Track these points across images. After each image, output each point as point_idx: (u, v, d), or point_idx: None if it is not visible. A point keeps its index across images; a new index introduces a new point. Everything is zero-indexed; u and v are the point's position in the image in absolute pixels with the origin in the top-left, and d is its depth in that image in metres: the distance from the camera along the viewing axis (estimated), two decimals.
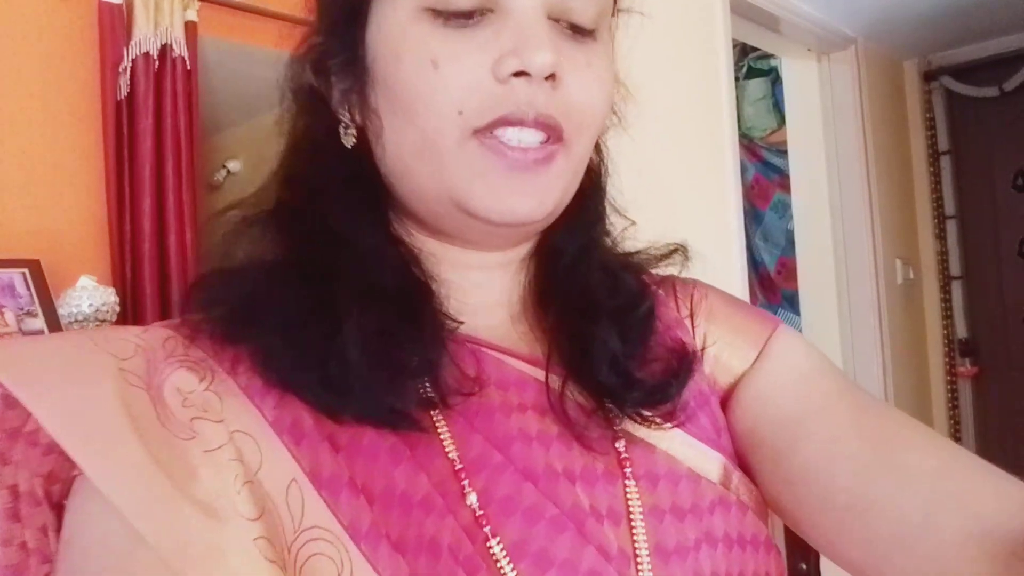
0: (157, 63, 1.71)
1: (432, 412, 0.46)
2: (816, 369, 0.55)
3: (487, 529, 0.43)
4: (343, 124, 0.51)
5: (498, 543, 0.43)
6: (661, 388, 0.51)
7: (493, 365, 0.50)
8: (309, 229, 0.50)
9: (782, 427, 0.52)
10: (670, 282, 0.62)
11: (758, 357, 0.57)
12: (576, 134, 0.48)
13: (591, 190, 0.57)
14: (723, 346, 0.58)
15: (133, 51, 1.69)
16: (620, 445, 0.49)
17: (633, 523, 0.46)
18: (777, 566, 0.52)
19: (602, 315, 0.52)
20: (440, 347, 0.47)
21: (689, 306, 0.60)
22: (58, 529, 0.43)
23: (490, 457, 0.45)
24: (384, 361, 0.45)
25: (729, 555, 0.48)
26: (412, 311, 0.48)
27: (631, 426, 0.50)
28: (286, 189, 0.52)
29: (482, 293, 0.53)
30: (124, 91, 1.69)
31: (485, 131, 0.46)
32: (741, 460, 0.54)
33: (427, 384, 0.46)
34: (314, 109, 0.52)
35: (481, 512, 0.43)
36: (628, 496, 0.47)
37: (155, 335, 0.47)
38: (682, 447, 0.51)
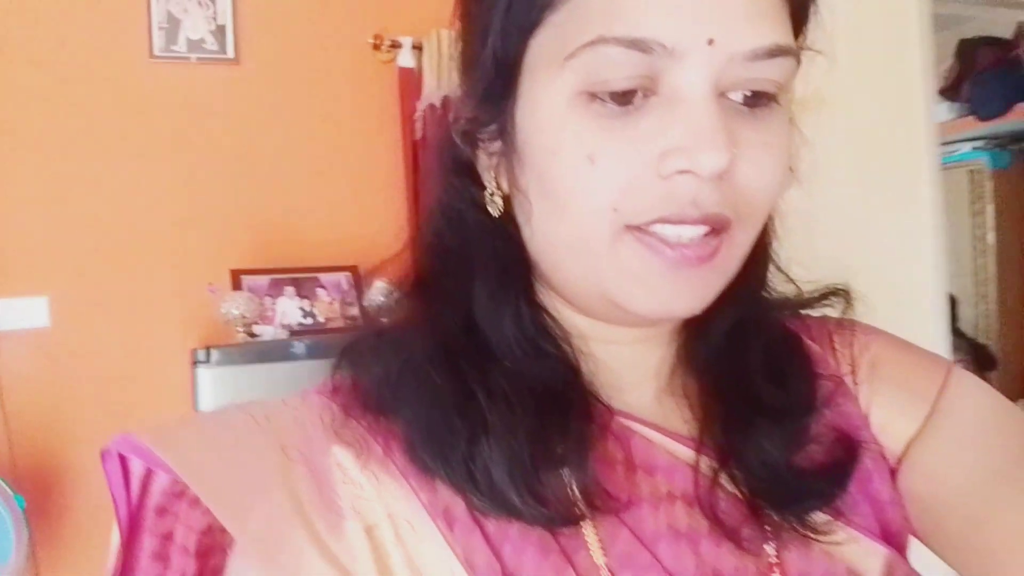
0: (440, 111, 2.31)
1: (578, 506, 0.44)
2: (994, 418, 0.49)
3: None
4: (489, 191, 0.48)
5: None
6: (820, 490, 0.46)
7: (642, 448, 0.47)
8: (455, 298, 0.48)
9: (964, 492, 0.46)
10: (826, 330, 0.55)
11: (931, 413, 0.50)
12: (745, 221, 0.43)
13: (756, 257, 0.49)
14: (890, 407, 0.51)
15: (423, 103, 2.33)
16: (771, 548, 0.45)
17: None
18: None
19: (761, 414, 0.48)
20: (585, 454, 0.44)
21: (850, 360, 0.53)
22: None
23: (637, 556, 0.44)
24: (526, 475, 0.43)
25: None
26: (557, 405, 0.45)
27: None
28: (430, 258, 0.50)
29: (632, 367, 0.50)
30: (419, 134, 2.34)
31: (642, 227, 0.42)
32: (918, 530, 0.49)
33: (574, 485, 0.44)
34: (460, 174, 0.49)
35: None
36: None
37: (312, 408, 0.48)
38: (843, 542, 0.46)
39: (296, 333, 2.12)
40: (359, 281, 2.24)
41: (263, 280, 2.18)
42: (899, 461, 0.50)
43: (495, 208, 0.48)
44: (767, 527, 0.46)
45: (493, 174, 0.48)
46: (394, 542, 0.43)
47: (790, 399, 0.48)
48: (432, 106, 2.30)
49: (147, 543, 0.47)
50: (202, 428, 0.49)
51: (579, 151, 0.41)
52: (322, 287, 2.23)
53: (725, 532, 0.45)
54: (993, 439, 0.48)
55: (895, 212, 1.73)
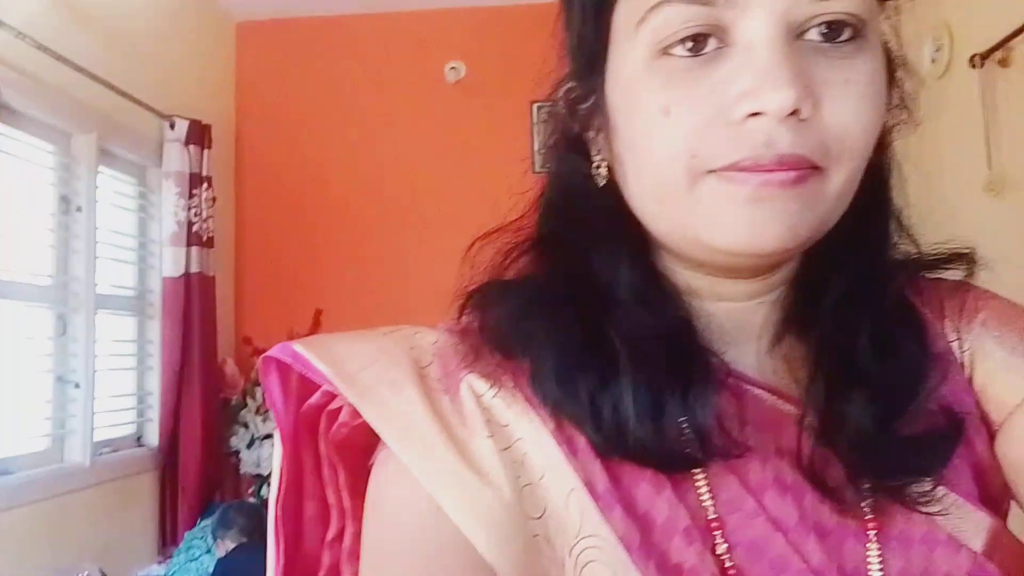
0: None
1: (694, 450, 0.45)
2: None
3: (733, 574, 0.44)
4: (595, 164, 0.50)
5: None
6: (920, 464, 0.46)
7: (753, 404, 0.48)
8: (573, 259, 0.50)
9: None
10: (937, 293, 0.54)
11: None
12: (835, 164, 0.43)
13: (871, 208, 0.49)
14: (996, 372, 0.50)
15: None
16: (867, 506, 0.46)
17: None
18: None
19: (862, 386, 0.47)
20: (706, 402, 0.45)
21: (956, 325, 0.52)
22: (352, 489, 0.51)
23: (744, 503, 0.45)
24: (654, 417, 0.44)
25: None
26: (679, 354, 0.47)
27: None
28: (548, 222, 0.53)
29: (740, 325, 0.51)
30: None
31: (723, 171, 0.43)
32: (1017, 495, 0.49)
33: (691, 437, 0.45)
34: (569, 148, 0.52)
35: (728, 559, 0.44)
36: (869, 559, 0.45)
37: (448, 341, 0.51)
38: (945, 508, 0.46)
39: None
40: None
41: None
42: (999, 427, 0.50)
43: (600, 178, 0.50)
44: (866, 490, 0.46)
45: (598, 148, 0.50)
46: (522, 463, 0.46)
47: (894, 373, 0.48)
48: None
49: (306, 460, 0.52)
50: (351, 340, 0.52)
51: (654, 105, 0.44)
52: None
53: (826, 491, 0.46)
54: None
55: None
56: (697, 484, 0.46)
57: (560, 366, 0.47)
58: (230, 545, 2.41)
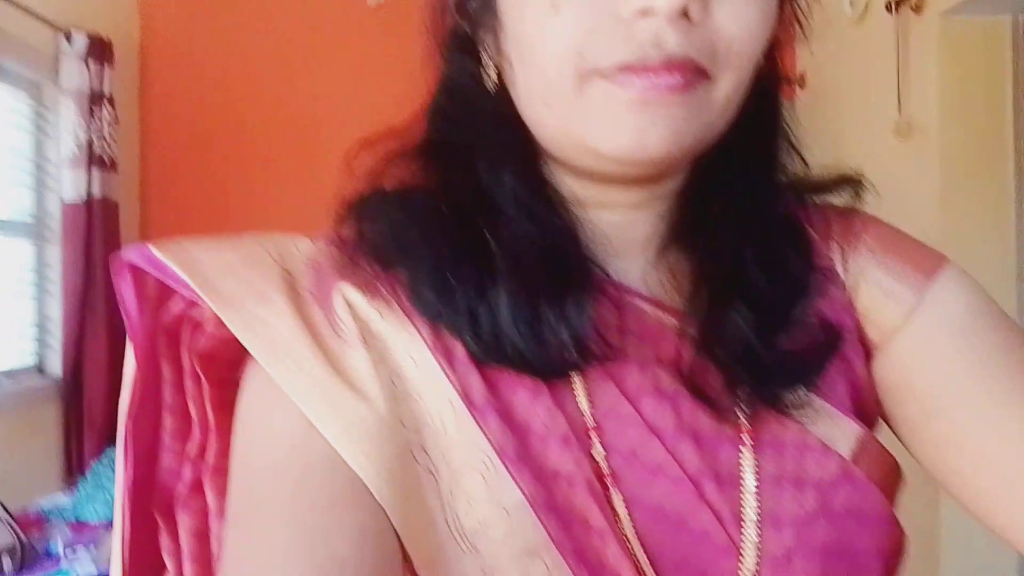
0: None
1: (572, 354, 0.45)
2: (977, 317, 0.49)
3: (609, 482, 0.44)
4: (484, 67, 0.49)
5: (618, 494, 0.44)
6: (796, 372, 0.48)
7: (635, 315, 0.48)
8: (458, 165, 0.49)
9: (932, 388, 0.48)
10: (825, 217, 0.54)
11: (916, 306, 0.50)
12: (723, 70, 0.43)
13: (760, 123, 0.50)
14: (877, 295, 0.51)
15: None
16: (743, 413, 0.47)
17: (747, 490, 0.46)
18: (895, 543, 0.49)
19: (744, 297, 0.48)
20: (583, 307, 0.45)
21: (842, 248, 0.53)
22: (217, 404, 0.48)
23: (621, 408, 0.46)
24: (531, 324, 0.44)
25: (844, 529, 0.46)
26: (559, 263, 0.46)
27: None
28: (435, 126, 0.51)
29: (625, 236, 0.50)
30: None
31: (610, 73, 0.42)
32: (886, 415, 0.52)
33: (568, 342, 0.45)
34: (458, 50, 0.51)
35: (605, 464, 0.45)
36: (743, 464, 0.46)
37: (322, 251, 0.50)
38: (817, 415, 0.48)
39: None
40: None
41: None
42: (877, 348, 0.51)
43: (490, 81, 0.49)
44: (743, 398, 0.47)
45: (488, 49, 0.49)
46: (398, 374, 0.45)
47: (776, 286, 0.49)
48: None
49: (165, 371, 0.50)
50: (215, 247, 0.50)
51: (543, 0, 0.43)
52: None
53: (703, 399, 0.47)
54: (971, 339, 0.48)
55: None
56: (575, 391, 0.46)
57: (438, 274, 0.46)
58: None
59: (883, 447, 0.50)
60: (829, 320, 0.50)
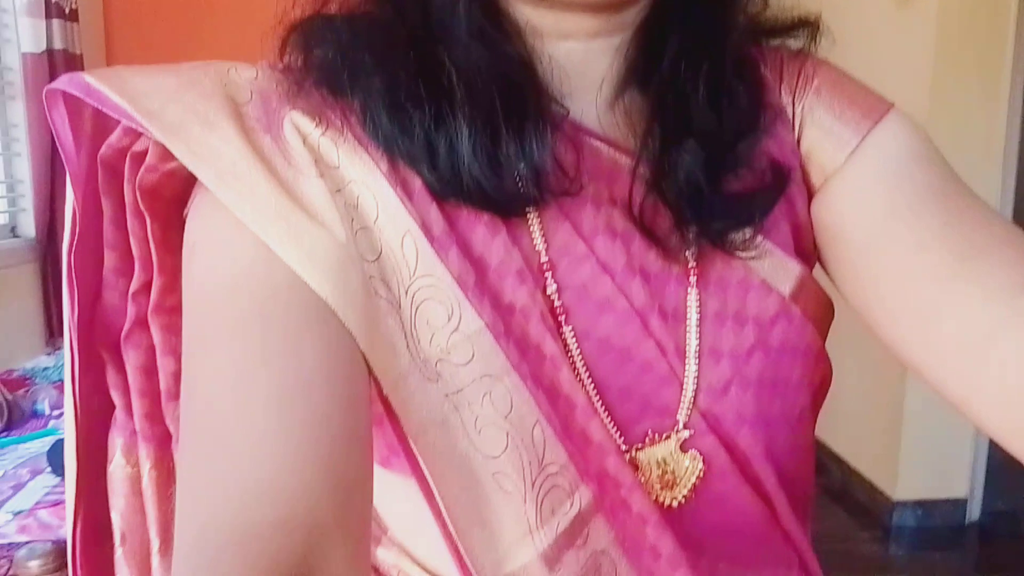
0: None
1: (529, 189, 0.45)
2: (915, 162, 0.49)
3: (561, 316, 0.46)
4: None
5: (569, 327, 0.46)
6: (742, 212, 0.48)
7: (590, 154, 0.48)
8: None
9: (866, 227, 0.49)
10: (779, 57, 0.54)
11: (855, 149, 0.50)
12: None
13: None
14: (821, 136, 0.52)
15: None
16: (690, 254, 0.48)
17: (691, 325, 0.48)
18: (823, 375, 0.53)
19: (693, 135, 0.48)
20: (543, 141, 0.44)
21: (792, 89, 0.53)
22: (161, 241, 0.47)
23: (574, 246, 0.47)
24: (490, 156, 0.44)
25: (779, 361, 0.49)
26: (517, 96, 0.45)
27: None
28: None
29: (583, 69, 0.49)
30: None
31: None
32: (821, 255, 0.53)
33: (527, 176, 0.45)
34: None
35: (557, 298, 0.46)
36: (688, 301, 0.48)
37: (268, 77, 0.47)
38: (761, 255, 0.49)
39: None
40: None
41: None
42: (817, 189, 0.52)
43: None
44: (691, 238, 0.48)
45: None
46: (355, 205, 0.44)
47: (726, 125, 0.49)
48: None
49: (106, 207, 0.48)
50: (155, 73, 0.46)
51: None
52: None
53: (653, 237, 0.48)
54: (905, 180, 0.49)
55: None
56: (531, 229, 0.47)
57: (393, 99, 0.44)
58: None
59: (819, 286, 0.52)
60: (777, 161, 0.50)
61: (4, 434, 2.17)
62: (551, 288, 0.46)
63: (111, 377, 0.53)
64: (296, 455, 0.36)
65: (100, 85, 0.44)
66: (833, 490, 2.87)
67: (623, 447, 0.47)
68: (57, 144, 0.48)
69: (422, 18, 0.46)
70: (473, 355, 0.44)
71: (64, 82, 0.46)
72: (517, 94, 0.45)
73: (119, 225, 0.49)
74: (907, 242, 0.47)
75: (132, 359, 0.51)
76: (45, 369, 2.64)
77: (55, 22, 2.65)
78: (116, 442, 0.54)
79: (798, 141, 0.52)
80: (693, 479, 0.48)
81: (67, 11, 2.70)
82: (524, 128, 0.45)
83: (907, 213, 0.47)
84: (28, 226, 2.75)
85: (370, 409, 0.42)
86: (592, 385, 0.46)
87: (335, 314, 0.40)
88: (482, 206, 0.45)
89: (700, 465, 0.48)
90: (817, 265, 0.54)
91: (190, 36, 3.19)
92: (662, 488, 0.48)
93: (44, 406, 2.34)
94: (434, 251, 0.44)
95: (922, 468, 2.58)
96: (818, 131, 0.52)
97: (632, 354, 0.47)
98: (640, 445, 0.48)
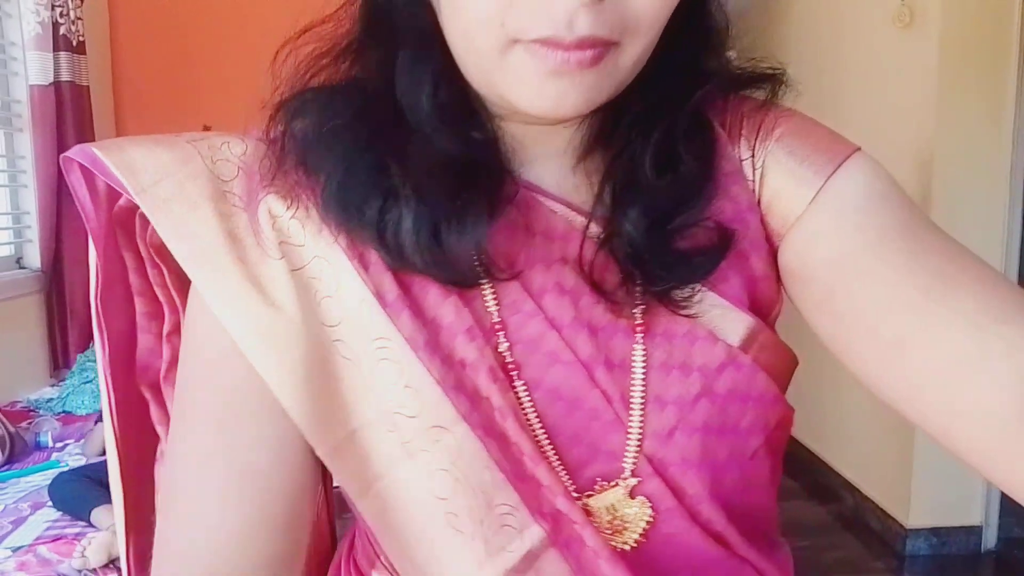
0: None
1: (477, 270, 0.49)
2: (878, 199, 0.51)
3: (513, 370, 0.50)
4: None
5: (521, 380, 0.50)
6: (687, 272, 0.50)
7: (545, 216, 0.52)
8: (378, 70, 0.50)
9: (831, 269, 0.50)
10: (740, 112, 0.55)
11: (816, 195, 0.51)
12: (631, 38, 0.46)
13: (683, 31, 0.51)
14: (783, 186, 0.53)
15: None
16: (638, 308, 0.51)
17: (636, 375, 0.51)
18: (780, 417, 0.54)
19: (642, 197, 0.50)
20: (481, 226, 0.47)
21: (752, 143, 0.54)
22: (179, 288, 0.54)
23: (524, 305, 0.50)
24: (431, 242, 0.47)
25: (727, 407, 0.51)
26: (471, 172, 0.48)
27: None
28: (359, 27, 0.51)
29: (547, 139, 0.53)
30: None
31: (527, 45, 0.44)
32: (794, 300, 0.54)
33: (473, 255, 0.49)
34: None
35: (508, 353, 0.50)
36: (635, 353, 0.51)
37: (254, 155, 0.52)
38: (709, 308, 0.51)
39: None
40: None
41: None
42: (781, 237, 0.53)
43: None
44: (638, 294, 0.51)
45: None
46: (318, 278, 0.49)
47: (672, 188, 0.51)
48: None
49: (128, 259, 0.56)
50: (152, 147, 0.52)
51: None
52: None
53: (601, 293, 0.50)
54: (870, 218, 0.50)
55: None
56: (484, 291, 0.50)
57: (346, 190, 0.49)
58: None
59: (775, 336, 0.54)
60: (725, 222, 0.52)
61: (6, 467, 2.16)
62: (503, 345, 0.50)
63: (155, 413, 0.59)
64: (229, 539, 0.47)
65: (103, 157, 0.50)
66: (845, 517, 2.83)
67: (574, 493, 0.50)
68: (77, 204, 0.54)
69: (390, 98, 0.50)
70: (425, 407, 0.48)
71: (75, 152, 0.52)
72: (469, 172, 0.49)
73: (142, 275, 0.56)
74: (873, 279, 0.48)
75: (171, 394, 0.56)
76: (49, 400, 2.63)
77: (62, 55, 2.68)
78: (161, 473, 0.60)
79: (760, 194, 0.54)
80: (643, 524, 0.51)
81: (74, 43, 2.73)
82: (467, 213, 0.48)
83: (871, 252, 0.49)
84: (34, 257, 2.76)
85: (316, 492, 0.51)
86: (543, 432, 0.50)
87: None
88: (434, 279, 0.49)
89: (648, 511, 0.51)
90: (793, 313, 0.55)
91: (194, 68, 3.23)
92: (613, 533, 0.51)
93: (47, 438, 2.33)
94: (387, 316, 0.48)
95: (935, 495, 2.53)
96: (782, 179, 0.53)
97: (580, 403, 0.50)
98: (590, 492, 0.51)
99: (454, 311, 0.49)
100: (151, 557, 0.52)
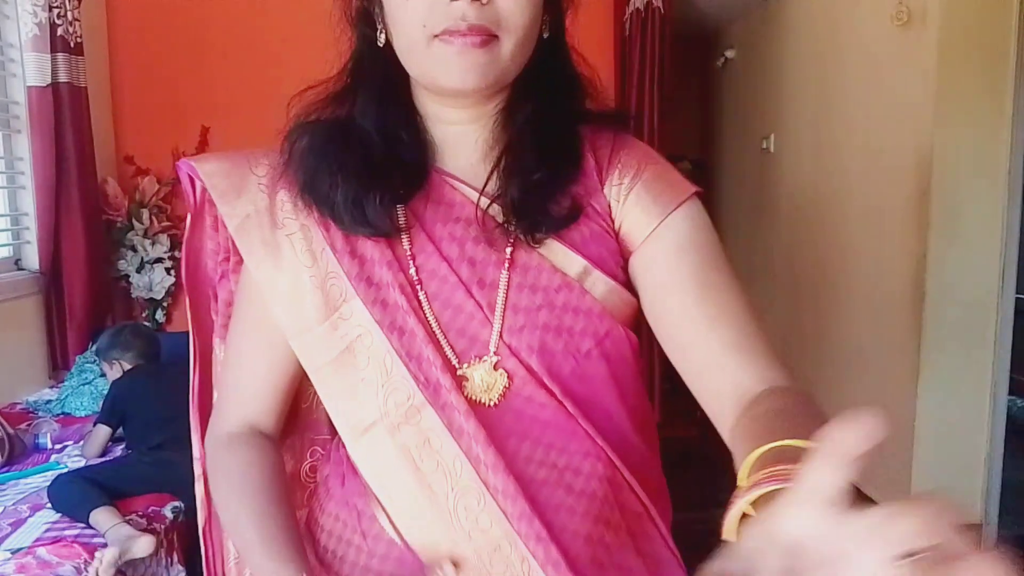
0: (643, 14, 3.45)
1: (397, 225, 0.76)
2: (694, 246, 0.74)
3: (419, 288, 0.75)
4: (379, 30, 0.76)
5: (423, 293, 0.75)
6: (546, 225, 0.75)
7: (449, 192, 0.78)
8: (347, 108, 0.79)
9: (653, 291, 0.75)
10: (608, 145, 0.80)
11: (658, 225, 0.75)
12: (506, 33, 0.70)
13: (545, 64, 0.78)
14: (637, 210, 0.76)
15: (630, 7, 3.48)
16: (507, 251, 0.75)
17: (499, 291, 0.75)
18: (609, 331, 0.77)
19: (524, 178, 0.75)
20: (406, 189, 0.76)
21: (607, 171, 0.79)
22: (232, 240, 0.83)
23: (426, 246, 0.76)
24: (361, 206, 0.75)
25: (562, 317, 0.75)
26: (392, 165, 0.76)
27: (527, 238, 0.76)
28: (344, 77, 0.80)
29: (463, 141, 0.79)
30: (626, 32, 3.50)
31: (441, 36, 0.69)
32: (636, 288, 0.78)
33: (402, 210, 0.76)
34: (361, 22, 0.78)
35: (416, 276, 0.76)
36: (501, 277, 0.75)
37: (275, 162, 0.81)
38: (557, 253, 0.76)
39: None
40: None
41: None
42: (630, 252, 0.77)
43: (381, 38, 0.76)
44: (509, 240, 0.75)
45: (379, 19, 0.76)
46: (301, 238, 0.78)
47: (546, 172, 0.76)
48: (637, 10, 3.46)
49: (207, 222, 0.89)
50: (221, 157, 0.84)
51: None
52: None
53: (483, 237, 0.76)
54: (685, 260, 0.74)
55: None
56: (403, 239, 0.77)
57: (313, 180, 0.77)
58: (126, 367, 2.36)
59: (606, 277, 0.76)
60: (579, 201, 0.77)
61: (5, 469, 2.15)
62: (412, 270, 0.76)
63: (212, 306, 0.93)
64: (254, 379, 0.83)
65: (196, 165, 0.83)
66: None
67: (456, 366, 0.75)
68: (183, 191, 0.89)
69: (356, 127, 0.79)
70: (353, 314, 0.76)
71: (182, 163, 0.85)
72: (389, 166, 0.77)
73: (215, 229, 0.89)
74: (675, 308, 0.73)
75: (221, 296, 0.91)
76: (48, 402, 2.62)
77: (60, 56, 2.68)
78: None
79: (610, 209, 0.78)
80: (502, 386, 0.75)
81: (72, 45, 2.73)
82: (383, 189, 0.75)
83: (679, 285, 0.73)
84: (32, 259, 2.76)
85: (296, 376, 0.83)
86: (437, 326, 0.75)
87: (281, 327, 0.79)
88: (366, 235, 0.76)
89: (506, 379, 0.75)
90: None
91: (192, 69, 3.22)
92: (483, 391, 0.75)
93: (46, 440, 2.32)
94: (336, 257, 0.77)
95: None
96: (635, 207, 0.77)
97: (461, 308, 0.76)
98: (468, 364, 0.75)
99: (379, 251, 0.76)
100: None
